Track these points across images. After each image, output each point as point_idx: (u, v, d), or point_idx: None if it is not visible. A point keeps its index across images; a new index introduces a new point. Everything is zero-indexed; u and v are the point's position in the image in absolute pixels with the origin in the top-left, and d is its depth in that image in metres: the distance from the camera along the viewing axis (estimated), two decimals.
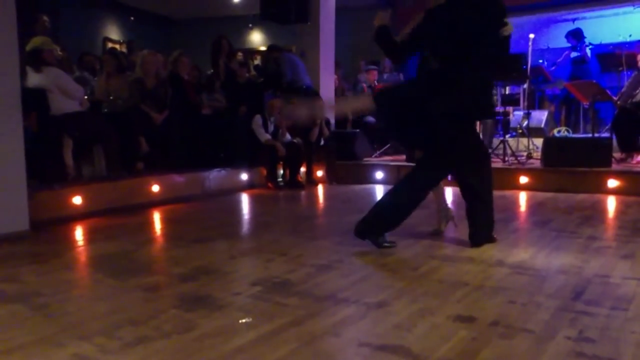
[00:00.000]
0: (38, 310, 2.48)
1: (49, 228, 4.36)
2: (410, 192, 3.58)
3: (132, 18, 12.25)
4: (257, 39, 13.05)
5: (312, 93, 7.73)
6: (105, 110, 6.20)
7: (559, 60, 9.52)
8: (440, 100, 3.37)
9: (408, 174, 3.65)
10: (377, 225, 3.56)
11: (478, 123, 7.65)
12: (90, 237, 4.30)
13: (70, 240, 4.20)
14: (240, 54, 8.59)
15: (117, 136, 5.58)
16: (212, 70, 7.87)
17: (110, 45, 11.03)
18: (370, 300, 2.54)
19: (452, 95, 3.35)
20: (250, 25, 12.68)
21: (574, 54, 9.36)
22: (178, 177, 5.97)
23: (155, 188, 5.61)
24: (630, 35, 9.25)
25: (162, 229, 4.75)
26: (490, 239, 3.67)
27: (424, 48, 3.57)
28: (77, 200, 4.82)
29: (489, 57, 3.37)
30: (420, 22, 3.52)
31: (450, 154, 3.55)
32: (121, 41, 11.60)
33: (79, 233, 4.40)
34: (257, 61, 11.82)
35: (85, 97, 5.81)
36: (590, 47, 9.40)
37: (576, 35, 9.39)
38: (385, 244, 3.54)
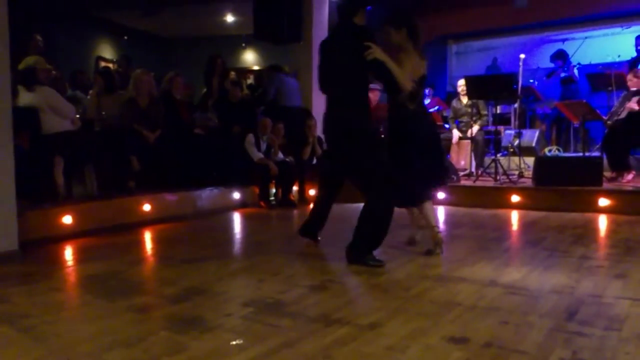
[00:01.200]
0: (25, 332, 2.44)
1: (38, 248, 4.31)
2: (372, 209, 3.65)
3: (125, 37, 12.29)
4: (250, 58, 13.11)
5: (297, 112, 7.72)
6: (97, 129, 6.18)
7: (548, 75, 9.62)
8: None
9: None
10: (362, 246, 3.62)
11: (469, 142, 7.74)
12: (80, 257, 4.25)
13: (59, 261, 4.15)
14: (233, 73, 8.62)
15: (108, 155, 5.55)
16: (205, 90, 7.89)
17: (103, 64, 11.03)
18: (363, 321, 2.52)
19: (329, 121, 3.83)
20: (244, 44, 12.74)
21: (562, 75, 9.46)
22: (170, 196, 5.94)
23: (147, 207, 5.57)
24: (619, 56, 9.37)
25: (153, 248, 4.71)
26: (361, 260, 3.58)
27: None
28: (68, 219, 4.78)
29: (355, 82, 3.67)
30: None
31: (358, 170, 3.74)
32: (114, 60, 11.62)
33: (68, 253, 4.36)
34: (250, 80, 11.85)
35: (77, 116, 5.79)
36: (578, 66, 9.51)
37: (560, 56, 9.51)
38: (371, 262, 3.56)
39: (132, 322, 2.59)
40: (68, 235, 4.72)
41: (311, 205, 4.44)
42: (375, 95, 8.84)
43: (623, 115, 6.74)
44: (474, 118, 7.79)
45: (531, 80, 9.57)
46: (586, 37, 10.00)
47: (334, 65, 3.71)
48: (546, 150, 8.87)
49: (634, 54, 8.82)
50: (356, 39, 3.54)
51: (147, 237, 5.07)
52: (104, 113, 6.20)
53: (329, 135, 3.94)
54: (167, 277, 3.50)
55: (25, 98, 5.07)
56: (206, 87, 7.82)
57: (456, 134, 7.96)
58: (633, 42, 8.91)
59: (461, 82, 7.94)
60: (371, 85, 9.00)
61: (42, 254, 4.20)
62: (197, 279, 3.36)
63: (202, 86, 8.15)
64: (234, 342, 2.29)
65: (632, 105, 6.60)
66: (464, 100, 7.92)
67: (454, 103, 8.12)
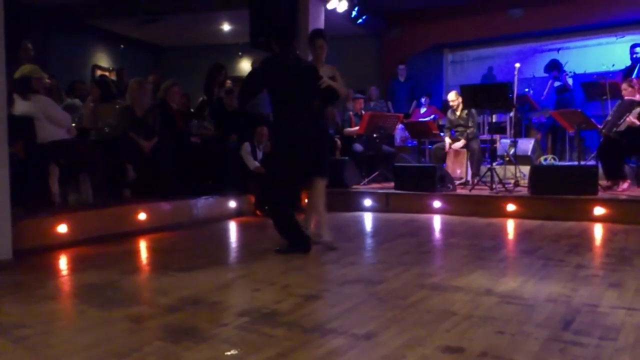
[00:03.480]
0: (19, 343, 2.43)
1: (32, 257, 4.29)
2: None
3: (122, 46, 12.31)
4: (246, 67, 13.13)
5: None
6: (93, 137, 6.17)
7: (545, 91, 9.67)
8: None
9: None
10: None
11: (465, 151, 7.76)
12: (74, 266, 4.23)
13: (54, 270, 4.13)
14: (229, 81, 8.61)
15: (104, 164, 5.54)
16: (203, 98, 7.87)
17: (99, 72, 11.03)
18: (359, 331, 2.51)
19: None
20: (240, 53, 12.78)
21: (556, 84, 9.52)
22: (165, 204, 5.92)
23: (142, 216, 5.55)
24: (613, 65, 9.43)
25: (148, 257, 4.70)
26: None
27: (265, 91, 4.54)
28: (62, 228, 4.76)
29: (313, 99, 4.46)
30: (256, 71, 4.45)
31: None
32: (111, 69, 11.63)
33: (63, 262, 4.34)
34: None
35: (73, 124, 5.78)
36: (571, 75, 9.57)
37: (554, 66, 9.57)
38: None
39: (127, 332, 2.58)
40: (63, 244, 4.69)
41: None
42: (359, 104, 8.93)
43: (622, 128, 6.73)
44: (466, 131, 7.85)
45: (526, 89, 9.62)
46: (575, 49, 10.07)
47: (307, 86, 4.38)
48: (542, 159, 8.89)
49: (629, 63, 8.88)
50: (313, 69, 4.51)
51: (143, 246, 5.05)
52: (99, 124, 6.19)
53: (312, 140, 4.36)
54: (162, 286, 3.49)
55: (21, 106, 5.06)
56: (206, 95, 7.79)
57: (448, 141, 8.02)
58: (627, 51, 8.98)
59: (452, 97, 8.04)
60: (357, 95, 9.13)
61: (37, 263, 4.18)
62: (192, 289, 3.35)
63: (199, 95, 8.14)
64: (229, 353, 2.27)
65: (633, 119, 6.58)
66: (458, 112, 8.01)
67: (449, 114, 8.21)
